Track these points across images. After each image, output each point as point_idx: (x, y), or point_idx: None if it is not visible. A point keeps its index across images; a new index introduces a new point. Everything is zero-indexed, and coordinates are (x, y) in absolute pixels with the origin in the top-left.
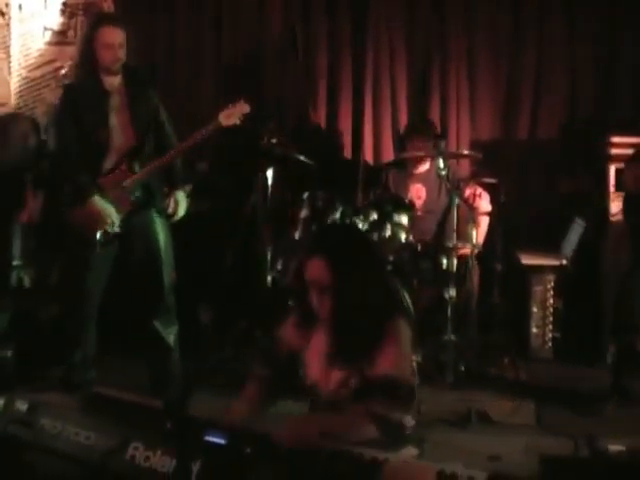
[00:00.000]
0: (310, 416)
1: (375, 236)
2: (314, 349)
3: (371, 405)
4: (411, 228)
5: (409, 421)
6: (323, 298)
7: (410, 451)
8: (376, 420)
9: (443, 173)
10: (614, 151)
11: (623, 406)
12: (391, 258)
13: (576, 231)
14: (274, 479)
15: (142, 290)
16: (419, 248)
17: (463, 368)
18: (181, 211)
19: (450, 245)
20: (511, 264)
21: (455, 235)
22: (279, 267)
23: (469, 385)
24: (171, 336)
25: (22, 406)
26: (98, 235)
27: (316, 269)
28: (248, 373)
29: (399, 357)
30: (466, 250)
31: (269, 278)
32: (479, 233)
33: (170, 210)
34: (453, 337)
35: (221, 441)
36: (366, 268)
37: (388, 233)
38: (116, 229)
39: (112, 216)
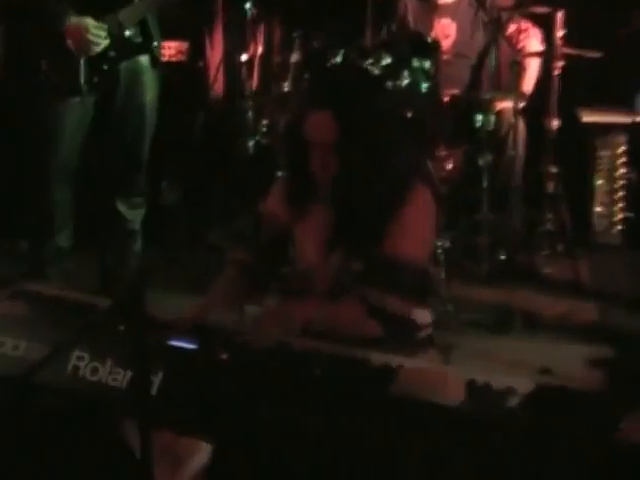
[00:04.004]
0: (295, 304)
1: (389, 86)
2: (309, 227)
3: (369, 293)
4: (436, 76)
5: (422, 317)
6: (326, 161)
7: (432, 357)
8: (375, 312)
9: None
10: None
11: None
12: (410, 114)
13: None
14: (258, 391)
15: (114, 155)
16: (446, 102)
17: (503, 257)
18: None
19: (487, 97)
20: (568, 122)
21: (494, 84)
22: (263, 128)
23: (510, 279)
24: (137, 219)
25: None
26: (82, 67)
27: (318, 125)
28: (225, 259)
29: (414, 235)
30: (508, 104)
31: (250, 143)
32: (526, 81)
33: None
34: (491, 216)
35: (189, 346)
36: (381, 122)
37: (406, 82)
38: (105, 41)
39: (95, 28)
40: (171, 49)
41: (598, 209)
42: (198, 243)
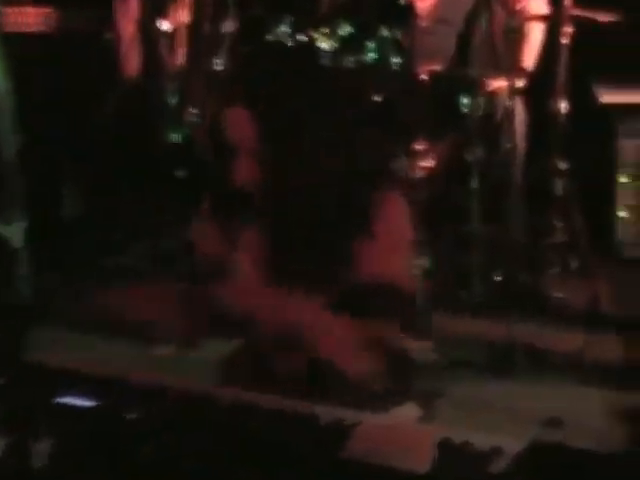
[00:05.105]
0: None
1: (349, 62)
2: (248, 255)
3: (367, 326)
4: (411, 48)
5: (424, 349)
6: (252, 165)
7: (407, 410)
8: (378, 348)
9: None
10: None
11: None
12: (377, 97)
13: None
14: (176, 457)
15: None
16: (425, 81)
17: (500, 278)
18: None
19: (477, 75)
20: (582, 105)
21: (486, 58)
22: (191, 117)
23: (510, 307)
24: (16, 235)
25: None
26: None
27: (236, 121)
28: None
29: (391, 252)
30: (504, 83)
31: (174, 136)
32: (526, 54)
33: None
34: (483, 227)
35: (87, 403)
36: (337, 110)
37: (371, 56)
38: None
39: None
40: (24, 16)
41: (623, 214)
42: (106, 267)
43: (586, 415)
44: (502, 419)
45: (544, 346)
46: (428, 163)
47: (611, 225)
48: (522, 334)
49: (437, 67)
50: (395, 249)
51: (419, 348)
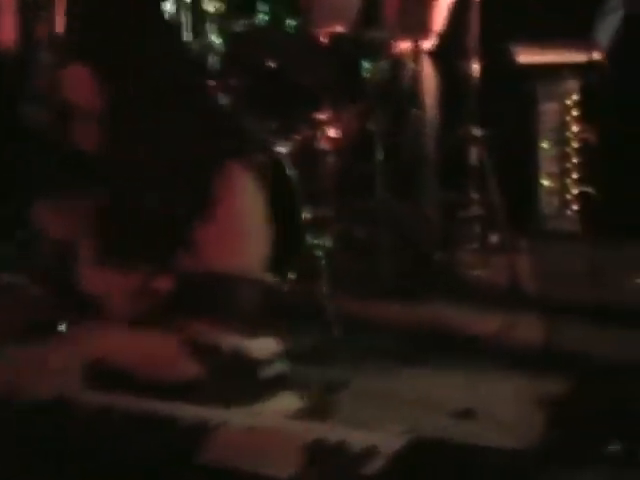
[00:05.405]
0: (84, 338)
1: (237, 26)
2: (87, 233)
3: (186, 324)
4: (309, 8)
5: (263, 349)
6: (90, 131)
7: (279, 404)
8: (197, 349)
9: None
10: None
11: None
12: (269, 62)
13: (622, 4)
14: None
15: None
16: (324, 43)
17: (411, 256)
18: None
19: (381, 36)
20: (497, 65)
21: (391, 18)
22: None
23: (422, 287)
24: None
25: None
26: None
27: (75, 81)
28: None
29: (236, 237)
30: (411, 44)
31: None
32: (435, 12)
33: None
34: (391, 201)
35: None
36: (170, 67)
37: (261, 18)
38: None
39: None
40: None
41: (544, 183)
42: None
43: (503, 404)
44: (409, 410)
45: (459, 329)
46: (334, 133)
47: (532, 195)
48: (435, 316)
49: (338, 29)
50: (236, 235)
51: (259, 347)
